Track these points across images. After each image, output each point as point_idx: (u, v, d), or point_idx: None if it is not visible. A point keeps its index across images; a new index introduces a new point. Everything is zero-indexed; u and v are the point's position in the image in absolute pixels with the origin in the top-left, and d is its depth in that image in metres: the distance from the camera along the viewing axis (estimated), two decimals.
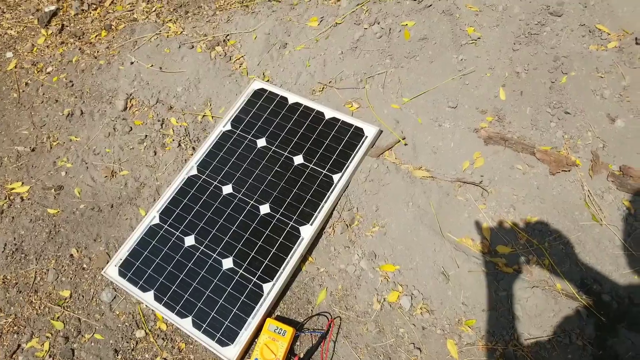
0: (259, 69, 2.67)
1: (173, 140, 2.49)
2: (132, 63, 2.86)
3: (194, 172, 2.26)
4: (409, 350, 1.88)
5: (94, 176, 2.45)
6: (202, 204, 2.16)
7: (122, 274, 2.05)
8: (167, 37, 2.94)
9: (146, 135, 2.54)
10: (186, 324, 1.90)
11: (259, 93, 2.44)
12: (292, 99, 2.38)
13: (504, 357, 1.84)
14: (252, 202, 2.13)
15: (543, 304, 1.88)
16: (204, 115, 2.55)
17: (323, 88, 2.49)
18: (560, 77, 2.24)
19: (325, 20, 2.72)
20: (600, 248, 1.92)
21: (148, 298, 1.97)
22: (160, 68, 2.79)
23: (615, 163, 2.10)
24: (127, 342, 1.99)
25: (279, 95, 2.41)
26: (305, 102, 2.36)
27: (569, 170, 2.08)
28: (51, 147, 2.59)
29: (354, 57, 2.55)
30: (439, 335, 1.90)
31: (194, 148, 2.45)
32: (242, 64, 2.74)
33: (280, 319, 1.96)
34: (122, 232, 2.25)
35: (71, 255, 2.20)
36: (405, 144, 2.24)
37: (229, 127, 2.36)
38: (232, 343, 1.84)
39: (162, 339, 1.99)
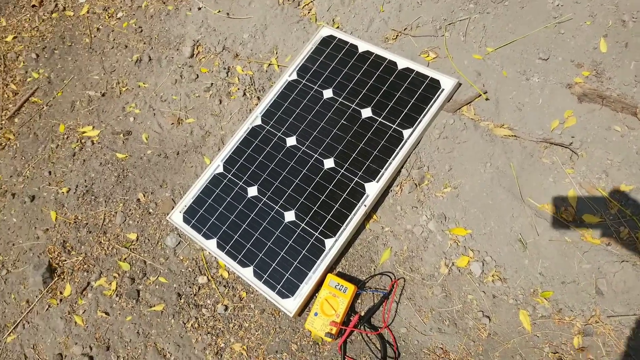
0: (328, 14, 2.51)
1: (238, 89, 2.44)
2: (199, 9, 2.79)
3: (258, 122, 2.20)
4: (477, 318, 1.77)
5: (161, 123, 2.46)
6: (266, 155, 2.11)
7: (186, 220, 2.06)
8: None
9: (212, 84, 2.50)
10: (247, 273, 1.89)
11: (327, 40, 2.30)
12: (362, 47, 2.23)
13: (582, 333, 1.69)
14: (316, 155, 2.05)
15: (632, 280, 1.69)
16: (269, 64, 2.46)
17: (397, 35, 2.31)
18: None
19: None
20: None
21: (211, 245, 1.98)
22: (228, 14, 2.70)
23: None
24: (190, 287, 2.02)
25: (348, 42, 2.26)
26: (377, 50, 2.20)
27: None
28: (120, 93, 2.62)
29: (434, 2, 2.32)
30: (511, 305, 1.77)
31: (258, 98, 2.39)
32: (311, 9, 2.59)
33: (341, 275, 1.91)
34: (187, 180, 2.26)
35: (138, 199, 2.25)
36: (487, 99, 2.04)
37: (294, 76, 2.26)
38: (292, 296, 1.82)
39: (224, 286, 2.00)
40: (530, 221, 1.83)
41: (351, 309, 1.83)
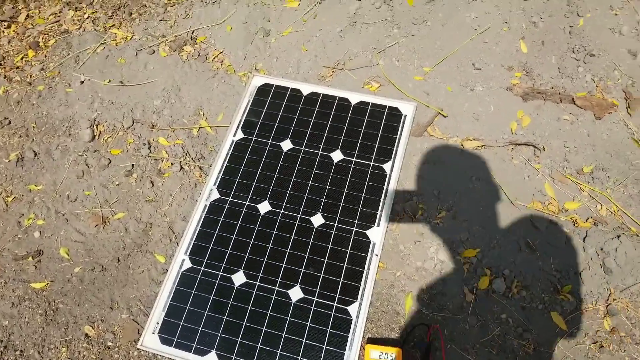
0: (247, 63, 2.30)
1: (171, 164, 2.06)
2: (82, 82, 2.33)
3: (216, 195, 1.87)
4: (519, 334, 1.71)
5: (79, 228, 1.95)
6: (240, 230, 1.80)
7: (165, 340, 1.63)
8: (117, 45, 2.44)
9: (133, 165, 2.08)
10: None
11: (263, 90, 2.09)
12: (305, 89, 2.07)
13: (608, 314, 1.74)
14: (299, 214, 1.81)
15: (631, 251, 1.80)
16: (200, 127, 2.14)
17: (332, 72, 2.20)
18: (577, 21, 2.17)
19: None
20: None
21: None
22: (122, 82, 2.30)
23: None
24: None
25: (289, 88, 2.08)
26: (323, 90, 2.06)
27: (612, 112, 2.02)
28: (7, 205, 2.02)
29: (357, 33, 2.28)
30: (541, 311, 1.75)
31: (200, 168, 2.04)
32: (222, 61, 2.35)
33: (376, 341, 1.68)
34: (144, 289, 1.81)
35: (86, 334, 1.72)
36: (445, 116, 2.04)
37: (240, 134, 1.99)
38: None
39: None
40: (528, 222, 1.84)
41: None
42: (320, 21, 2.35)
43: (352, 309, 1.64)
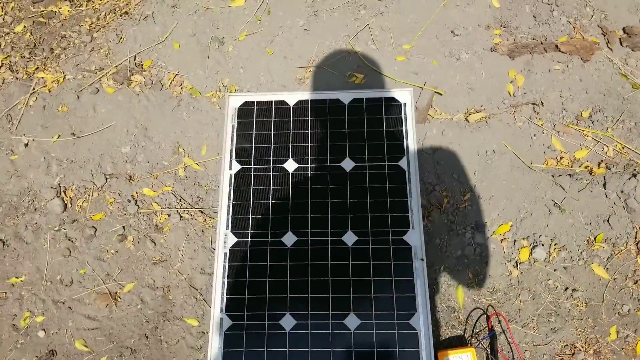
0: (210, 81, 2.07)
1: (168, 215, 1.84)
2: (26, 145, 2.02)
3: (233, 239, 1.71)
4: (569, 296, 1.73)
5: (88, 314, 1.72)
6: (272, 271, 1.66)
7: None
8: (50, 91, 2.12)
9: (124, 227, 1.84)
10: None
11: (245, 110, 1.89)
12: (291, 99, 1.89)
13: None
14: (330, 238, 1.69)
15: None
16: (185, 167, 1.92)
17: (308, 71, 2.03)
18: None
19: None
20: None
21: None
22: (74, 134, 2.02)
23: (618, 28, 2.10)
24: None
25: (272, 101, 1.89)
26: (310, 95, 1.89)
27: (596, 52, 2.02)
28: None
29: (322, 23, 2.10)
30: (582, 266, 1.77)
31: (202, 212, 1.85)
32: (181, 83, 2.10)
33: (445, 346, 1.64)
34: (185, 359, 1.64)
35: None
36: (441, 93, 1.95)
37: (237, 166, 1.81)
38: None
39: None
40: (551, 183, 1.84)
41: None
42: (277, 16, 2.14)
43: (415, 321, 1.58)
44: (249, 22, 2.15)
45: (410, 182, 1.75)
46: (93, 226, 1.85)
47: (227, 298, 1.64)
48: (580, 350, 1.64)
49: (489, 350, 1.64)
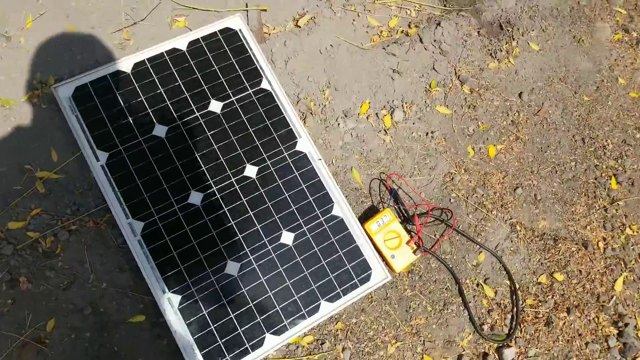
0: (19, 83, 1.79)
1: (54, 235, 1.65)
2: None
3: (140, 225, 1.63)
4: (430, 139, 2.09)
5: None
6: (193, 232, 1.66)
7: None
8: None
9: (9, 272, 1.61)
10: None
11: (80, 96, 1.71)
12: (124, 65, 1.77)
13: (462, 82, 2.23)
14: (233, 179, 1.73)
15: (450, 29, 2.24)
16: (43, 180, 1.70)
17: (125, 32, 1.88)
18: None
19: None
20: None
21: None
22: None
23: None
24: None
25: (106, 76, 1.74)
26: (143, 55, 1.79)
27: None
28: None
29: None
30: (430, 112, 2.13)
31: (89, 216, 1.69)
32: None
33: (366, 218, 1.87)
34: None
35: None
36: (267, 9, 2.01)
37: (104, 155, 1.67)
38: (370, 270, 1.74)
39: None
40: (384, 55, 2.10)
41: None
42: None
43: (336, 211, 1.77)
44: (29, 5, 1.86)
45: (279, 99, 1.83)
46: None
47: (163, 278, 1.60)
48: (456, 173, 2.04)
49: (397, 206, 1.93)
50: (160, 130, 1.73)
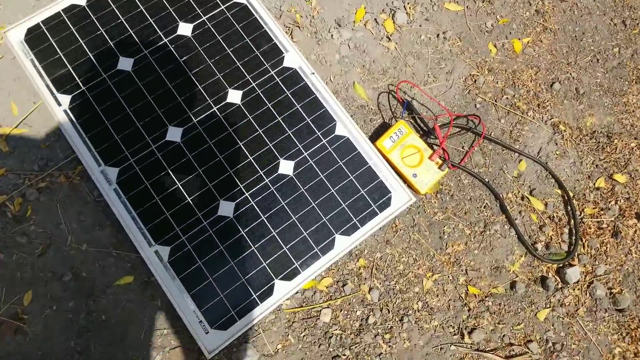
0: None
1: (23, 197, 1.45)
2: None
3: (114, 172, 1.41)
4: (443, 39, 1.78)
5: (1, 355, 1.34)
6: (176, 172, 1.42)
7: None
8: None
9: None
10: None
11: (34, 38, 1.50)
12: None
13: None
14: (215, 108, 1.48)
15: None
16: (6, 137, 1.50)
17: None
18: None
19: None
20: None
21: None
22: None
23: None
24: None
25: (59, 12, 1.52)
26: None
27: None
28: None
29: None
30: (438, 10, 1.83)
31: (60, 170, 1.48)
32: None
33: (378, 135, 1.59)
34: None
35: None
36: None
37: (66, 99, 1.46)
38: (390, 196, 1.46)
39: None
40: None
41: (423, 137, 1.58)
42: None
43: (340, 130, 1.49)
44: None
45: (256, 11, 1.57)
46: None
47: (148, 229, 1.37)
48: (478, 74, 1.73)
49: (412, 119, 1.64)
50: (125, 64, 1.49)
